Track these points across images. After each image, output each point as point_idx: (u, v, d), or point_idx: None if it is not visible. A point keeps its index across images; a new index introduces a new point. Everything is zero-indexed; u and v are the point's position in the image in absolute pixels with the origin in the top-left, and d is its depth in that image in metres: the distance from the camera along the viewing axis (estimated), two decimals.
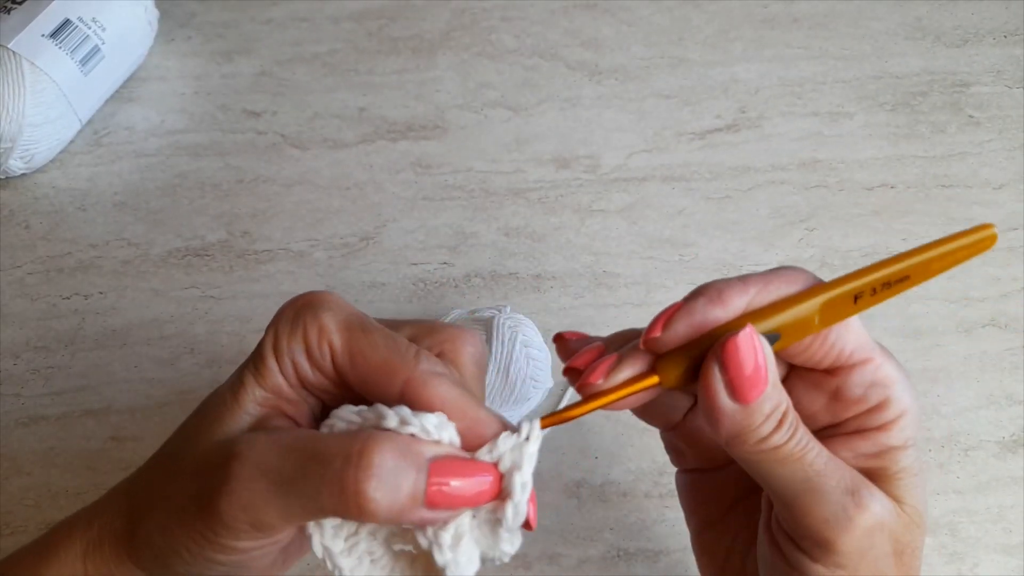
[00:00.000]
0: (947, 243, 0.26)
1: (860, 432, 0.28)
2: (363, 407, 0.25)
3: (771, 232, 0.49)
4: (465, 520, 0.25)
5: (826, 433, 0.28)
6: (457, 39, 0.57)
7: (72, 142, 0.52)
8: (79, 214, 0.50)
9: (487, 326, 0.40)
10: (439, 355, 0.27)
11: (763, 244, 0.49)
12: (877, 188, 0.51)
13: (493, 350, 0.39)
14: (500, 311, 0.41)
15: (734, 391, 0.25)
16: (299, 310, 0.26)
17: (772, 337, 0.26)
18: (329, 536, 0.25)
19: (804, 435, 0.26)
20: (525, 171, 0.51)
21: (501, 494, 0.24)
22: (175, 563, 0.25)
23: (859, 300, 0.27)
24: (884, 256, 0.47)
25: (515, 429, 0.25)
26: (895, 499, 0.27)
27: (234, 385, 0.26)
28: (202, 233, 0.49)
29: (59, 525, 0.28)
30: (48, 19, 0.49)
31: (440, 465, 0.23)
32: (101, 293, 0.47)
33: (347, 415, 0.25)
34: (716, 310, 0.26)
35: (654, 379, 0.26)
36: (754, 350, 0.25)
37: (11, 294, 0.47)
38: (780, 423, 0.26)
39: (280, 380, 0.26)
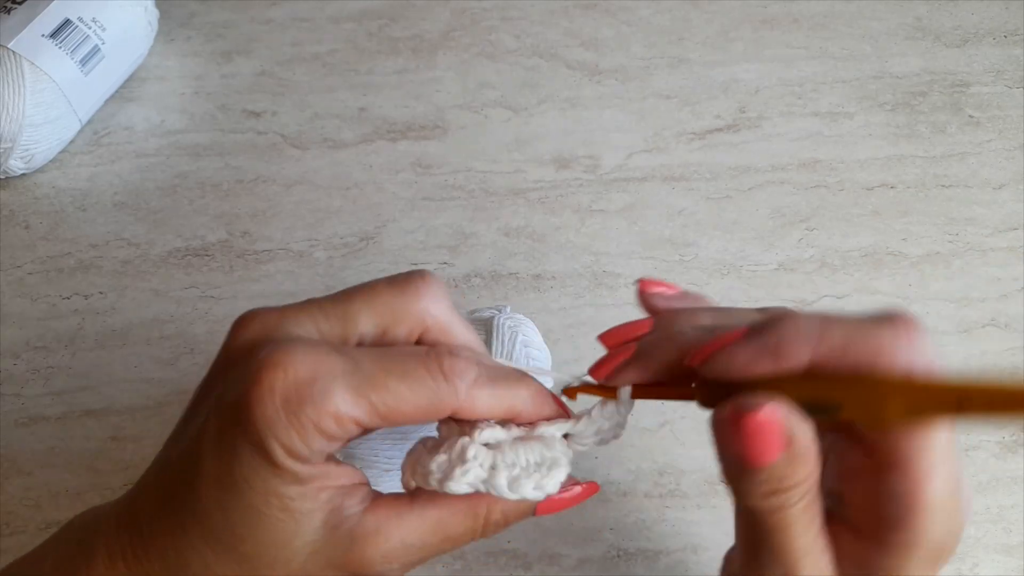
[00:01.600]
0: None
1: (862, 532, 0.24)
2: (470, 474, 0.26)
3: (771, 232, 0.49)
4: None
5: (836, 505, 0.25)
6: (457, 39, 0.57)
7: (72, 142, 0.52)
8: (79, 214, 0.50)
9: (487, 326, 0.40)
10: (424, 333, 0.26)
11: (763, 244, 0.49)
12: (877, 188, 0.51)
13: (493, 350, 0.39)
14: (500, 311, 0.41)
15: (738, 452, 0.23)
16: (291, 410, 0.23)
17: (829, 407, 0.22)
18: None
19: (796, 514, 0.24)
20: (525, 171, 0.51)
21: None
22: None
23: (964, 408, 0.20)
24: (884, 256, 0.46)
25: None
26: None
27: (278, 503, 0.24)
28: (202, 233, 0.49)
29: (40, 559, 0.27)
30: (48, 19, 0.49)
31: (546, 506, 0.27)
32: (101, 293, 0.47)
33: (462, 489, 0.26)
34: (766, 364, 0.23)
35: (689, 397, 0.26)
36: (770, 430, 0.22)
37: (11, 294, 0.47)
38: (772, 493, 0.23)
39: (316, 471, 0.24)
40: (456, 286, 0.47)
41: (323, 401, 0.23)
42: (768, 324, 0.23)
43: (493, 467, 0.26)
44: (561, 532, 0.40)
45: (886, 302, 0.47)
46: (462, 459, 0.25)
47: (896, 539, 0.23)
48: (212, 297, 0.47)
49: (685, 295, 0.28)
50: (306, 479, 0.24)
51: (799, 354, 0.22)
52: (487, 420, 0.26)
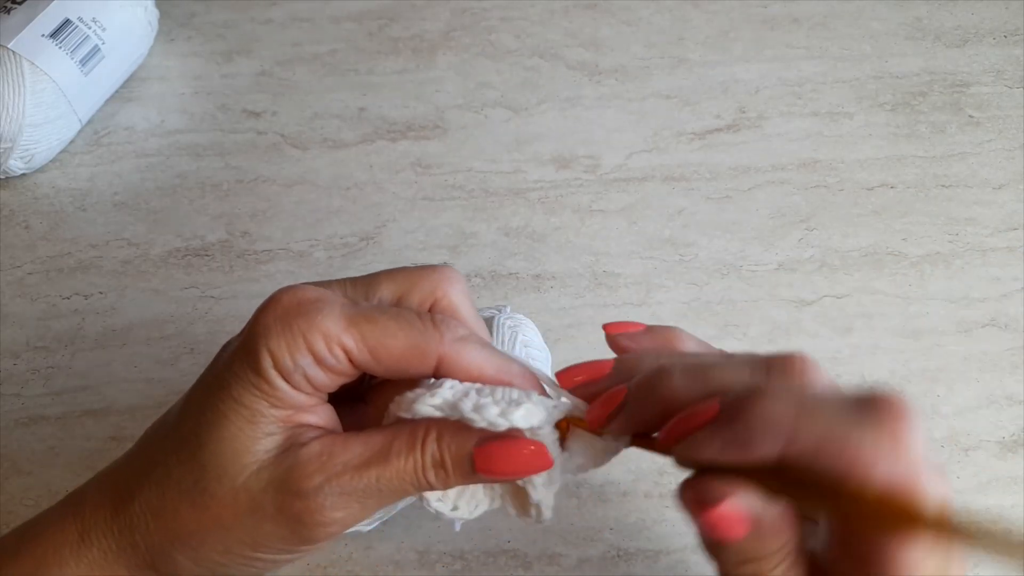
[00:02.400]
0: None
1: None
2: (442, 396, 0.26)
3: (771, 232, 0.49)
4: (556, 468, 0.27)
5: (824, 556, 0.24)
6: (457, 39, 0.57)
7: (72, 142, 0.52)
8: (79, 214, 0.50)
9: (487, 326, 0.40)
10: (434, 305, 0.28)
11: (763, 244, 0.49)
12: (877, 188, 0.51)
13: None
14: (500, 311, 0.41)
15: (706, 530, 0.23)
16: (287, 320, 0.25)
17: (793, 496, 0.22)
18: (435, 499, 0.28)
19: None
20: (525, 171, 0.52)
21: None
22: (237, 570, 0.26)
23: (940, 535, 0.19)
24: (884, 256, 0.46)
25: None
26: None
27: (240, 411, 0.25)
28: (202, 233, 0.49)
29: (34, 543, 0.27)
30: (48, 19, 0.49)
31: (483, 451, 0.26)
32: (101, 293, 0.47)
33: (426, 411, 0.26)
34: (734, 455, 0.22)
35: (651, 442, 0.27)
36: (730, 521, 0.22)
37: (11, 294, 0.47)
38: (747, 562, 0.23)
39: (296, 397, 0.25)
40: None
41: (316, 317, 0.24)
42: (739, 409, 0.22)
43: (465, 395, 0.26)
44: (561, 532, 0.40)
45: (886, 302, 0.47)
46: (438, 386, 0.26)
47: None
48: (212, 297, 0.47)
49: (650, 331, 0.29)
50: (283, 401, 0.25)
51: (768, 449, 0.21)
52: (480, 380, 0.26)
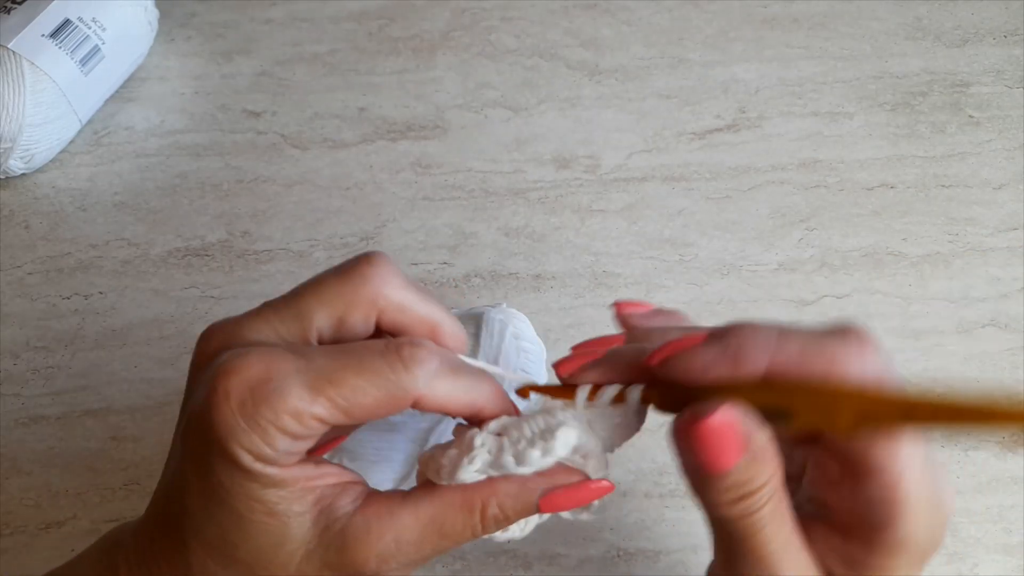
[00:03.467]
0: None
1: (848, 534, 0.25)
2: (478, 461, 0.26)
3: (771, 232, 0.49)
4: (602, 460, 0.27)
5: (822, 507, 0.25)
6: (457, 39, 0.57)
7: (72, 142, 0.52)
8: (79, 214, 0.50)
9: (476, 321, 0.39)
10: (380, 316, 0.26)
11: (763, 244, 0.49)
12: (877, 188, 0.51)
13: (481, 343, 0.39)
14: (494, 307, 0.41)
15: (696, 459, 0.24)
16: (248, 413, 0.23)
17: (782, 413, 0.23)
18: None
19: (766, 516, 0.24)
20: (525, 171, 0.52)
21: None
22: None
23: (908, 421, 0.21)
24: (884, 256, 0.46)
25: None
26: None
27: (262, 508, 0.24)
28: (202, 233, 0.49)
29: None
30: (48, 19, 0.49)
31: (549, 500, 0.26)
32: (101, 293, 0.47)
33: (470, 477, 0.26)
34: (724, 369, 0.23)
35: (644, 396, 0.26)
36: (725, 435, 0.23)
37: (11, 294, 0.47)
38: (739, 499, 0.24)
39: (293, 472, 0.24)
40: (456, 286, 0.47)
41: (278, 401, 0.23)
42: (728, 331, 0.24)
43: (501, 449, 0.25)
44: (561, 532, 0.40)
45: (886, 302, 0.47)
46: (470, 447, 0.25)
47: (881, 540, 0.24)
48: (212, 297, 0.47)
49: (659, 312, 0.29)
50: (284, 482, 0.24)
51: (756, 361, 0.23)
52: (455, 412, 0.26)
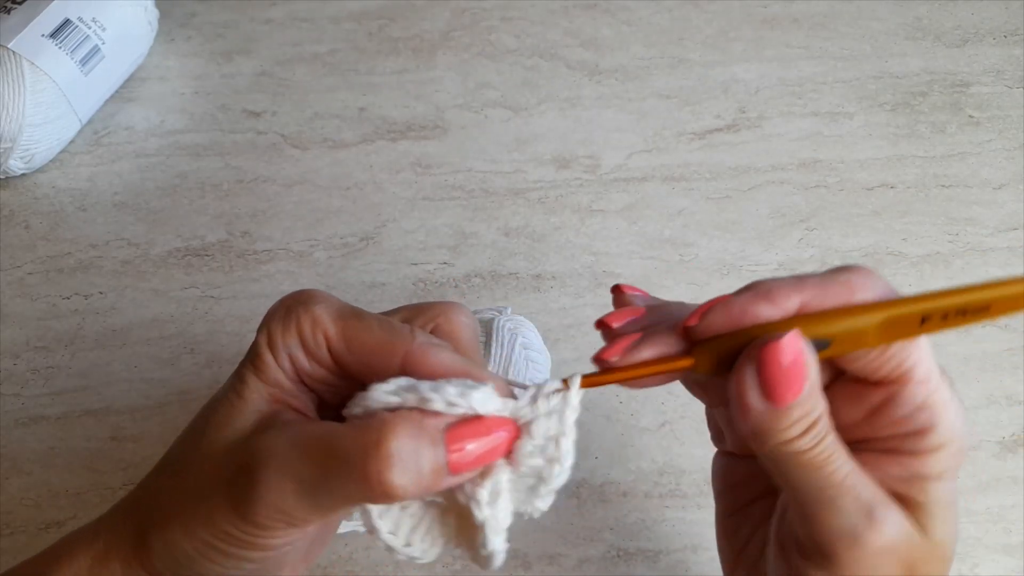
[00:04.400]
0: None
1: (895, 453, 0.26)
2: (397, 383, 0.25)
3: (771, 232, 0.49)
4: (502, 477, 0.25)
5: (861, 447, 0.27)
6: (457, 39, 0.57)
7: (72, 142, 0.52)
8: (79, 214, 0.50)
9: (487, 328, 0.40)
10: (433, 331, 0.27)
11: (763, 244, 0.49)
12: (877, 188, 0.51)
13: (492, 352, 0.39)
14: (501, 312, 0.41)
15: (766, 393, 0.25)
16: (290, 306, 0.26)
17: (821, 343, 0.25)
18: (376, 515, 0.26)
19: (831, 445, 0.25)
20: (525, 171, 0.52)
21: (547, 455, 0.25)
22: (202, 566, 0.25)
23: (927, 323, 0.24)
24: (884, 256, 0.46)
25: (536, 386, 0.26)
26: (923, 528, 0.26)
27: (235, 385, 0.26)
28: (202, 233, 0.49)
29: (61, 541, 0.28)
30: (48, 19, 0.49)
31: (455, 432, 0.24)
32: (101, 293, 0.47)
33: (381, 397, 0.24)
34: (761, 307, 0.25)
35: (687, 362, 0.26)
36: (794, 354, 0.24)
37: (11, 294, 0.47)
38: (807, 430, 0.25)
39: (279, 375, 0.26)
40: (456, 286, 0.47)
41: (312, 306, 0.26)
42: (752, 284, 0.26)
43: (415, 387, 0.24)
44: (561, 532, 0.40)
45: None
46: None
47: (928, 443, 0.26)
48: (212, 297, 0.47)
49: (656, 299, 0.30)
50: (267, 375, 0.26)
51: (790, 298, 0.25)
52: (436, 379, 0.25)
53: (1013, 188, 0.51)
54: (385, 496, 0.23)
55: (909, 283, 0.47)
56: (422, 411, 0.24)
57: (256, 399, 0.26)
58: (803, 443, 0.25)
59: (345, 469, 0.23)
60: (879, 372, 0.26)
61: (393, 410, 0.24)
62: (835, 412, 0.26)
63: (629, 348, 0.26)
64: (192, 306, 0.46)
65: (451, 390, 0.24)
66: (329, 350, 0.26)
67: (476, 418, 0.24)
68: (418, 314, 0.28)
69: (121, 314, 0.46)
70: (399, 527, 0.26)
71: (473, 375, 0.25)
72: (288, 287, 0.47)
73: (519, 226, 0.49)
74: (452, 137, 0.53)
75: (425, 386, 0.24)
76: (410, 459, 0.23)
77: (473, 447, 0.24)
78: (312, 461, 0.23)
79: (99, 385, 0.44)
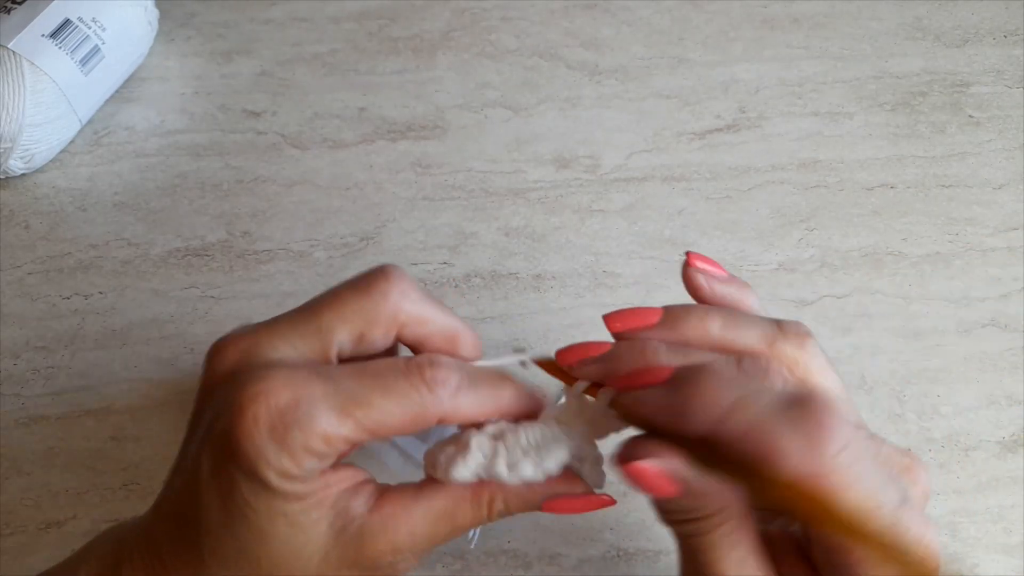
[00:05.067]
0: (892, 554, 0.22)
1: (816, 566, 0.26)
2: (472, 463, 0.27)
3: (771, 232, 0.49)
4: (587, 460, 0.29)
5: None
6: (457, 39, 0.57)
7: (72, 142, 0.52)
8: (79, 214, 0.50)
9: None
10: (400, 332, 0.27)
11: (763, 244, 0.49)
12: (877, 188, 0.51)
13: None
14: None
15: (633, 484, 0.25)
16: (279, 436, 0.23)
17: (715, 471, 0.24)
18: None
19: (720, 538, 0.25)
20: (525, 171, 0.51)
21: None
22: None
23: (818, 527, 0.23)
24: (884, 256, 0.46)
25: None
26: None
27: (283, 519, 0.24)
28: (202, 233, 0.49)
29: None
30: (48, 19, 0.49)
31: (551, 505, 0.28)
32: (101, 293, 0.47)
33: (464, 475, 0.27)
34: (664, 419, 0.24)
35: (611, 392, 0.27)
36: (657, 479, 0.24)
37: (11, 294, 0.47)
38: (688, 522, 0.25)
39: (316, 484, 0.25)
40: (456, 286, 0.47)
41: (309, 424, 0.23)
42: (686, 380, 0.24)
43: (495, 454, 0.27)
44: (561, 532, 0.40)
45: (886, 302, 0.47)
46: (466, 448, 0.26)
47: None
48: (212, 297, 0.47)
49: (731, 279, 0.29)
50: (306, 494, 0.24)
51: (699, 424, 0.23)
52: (481, 420, 0.27)
53: (1013, 188, 0.51)
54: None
55: (909, 283, 0.47)
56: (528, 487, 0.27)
57: (312, 513, 0.25)
58: (680, 529, 0.26)
59: (460, 535, 0.27)
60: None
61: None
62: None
63: (581, 362, 0.27)
64: (192, 306, 0.46)
65: (528, 470, 0.27)
66: (352, 443, 0.25)
67: (572, 498, 0.28)
68: (367, 323, 0.26)
69: (121, 314, 0.46)
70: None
71: (510, 409, 0.27)
72: (288, 287, 0.47)
73: (519, 226, 0.49)
74: (452, 137, 0.53)
75: (503, 471, 0.27)
76: (507, 514, 0.28)
77: (569, 511, 0.28)
78: (436, 544, 0.26)
79: (99, 385, 0.44)
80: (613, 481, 0.41)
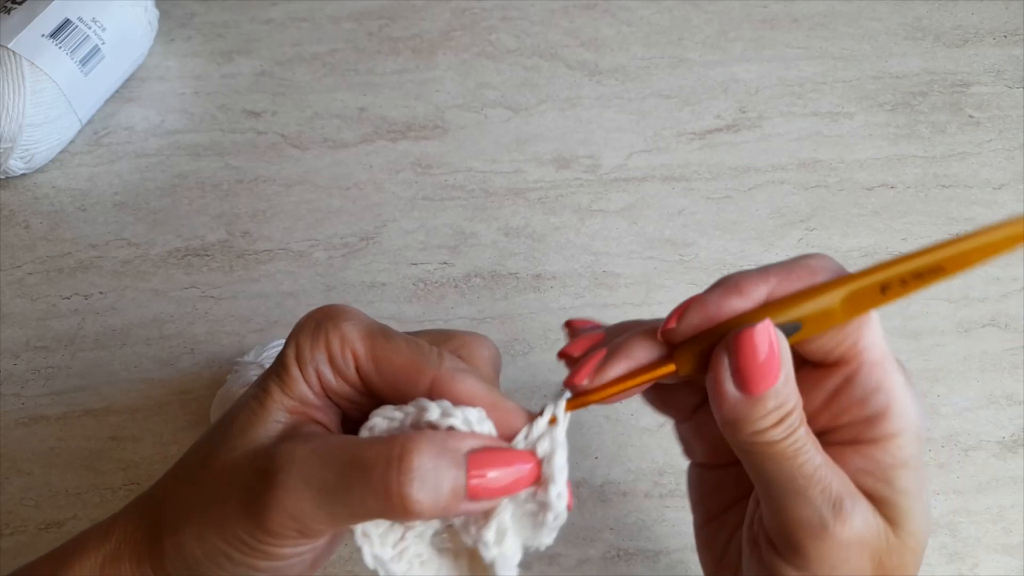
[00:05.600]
0: (985, 234, 0.25)
1: (857, 443, 0.27)
2: (403, 406, 0.25)
3: (771, 232, 0.49)
4: (507, 514, 0.25)
5: (826, 439, 0.27)
6: (457, 39, 0.57)
7: (72, 142, 0.52)
8: (79, 214, 0.50)
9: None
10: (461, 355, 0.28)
11: (763, 244, 0.49)
12: (877, 188, 0.51)
13: None
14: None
15: (741, 382, 0.25)
16: (319, 321, 0.26)
17: (792, 327, 0.26)
18: (378, 545, 0.25)
19: (803, 436, 0.26)
20: (525, 171, 0.52)
21: (540, 480, 0.25)
22: (211, 572, 0.25)
23: (887, 291, 0.25)
24: (883, 256, 0.47)
25: (538, 415, 0.26)
26: (891, 522, 0.26)
27: (259, 395, 0.26)
28: (202, 233, 0.49)
29: (72, 540, 0.28)
30: (48, 19, 0.49)
31: (478, 458, 0.24)
32: (101, 293, 0.47)
33: (389, 412, 0.25)
34: (733, 300, 0.26)
35: (669, 367, 0.26)
36: (768, 343, 0.25)
37: (11, 294, 0.47)
38: (780, 421, 0.25)
39: (305, 389, 0.26)
40: (456, 286, 0.47)
41: (342, 322, 0.26)
42: (720, 280, 0.27)
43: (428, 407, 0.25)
44: (561, 532, 0.40)
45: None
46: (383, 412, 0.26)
47: (886, 428, 0.26)
48: (212, 297, 0.47)
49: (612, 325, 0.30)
50: (292, 389, 0.26)
51: (757, 287, 0.26)
52: (475, 408, 0.25)
53: (1013, 188, 0.51)
54: (403, 511, 0.23)
55: None
56: (448, 432, 0.24)
57: (279, 410, 0.26)
58: (775, 433, 0.25)
59: (366, 480, 0.23)
60: (836, 351, 0.26)
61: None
62: None
63: (597, 367, 0.26)
64: (192, 306, 0.46)
65: (474, 414, 0.24)
66: (357, 368, 0.26)
67: (501, 449, 0.25)
68: (442, 340, 0.28)
69: (121, 314, 0.46)
70: (410, 567, 0.26)
71: (499, 405, 0.26)
72: (288, 287, 0.47)
73: (519, 226, 0.49)
74: (452, 137, 0.53)
75: (435, 413, 0.24)
76: (431, 476, 0.23)
77: (495, 475, 0.24)
78: (333, 470, 0.23)
79: (99, 385, 0.44)
80: (613, 481, 0.41)
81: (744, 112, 0.54)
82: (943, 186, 0.51)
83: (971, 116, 0.54)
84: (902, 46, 0.58)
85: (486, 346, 0.28)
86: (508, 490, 0.25)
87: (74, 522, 0.40)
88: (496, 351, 0.28)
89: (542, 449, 0.25)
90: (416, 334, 0.28)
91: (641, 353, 0.27)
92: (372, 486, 0.23)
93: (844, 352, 0.27)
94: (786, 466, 0.26)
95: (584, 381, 0.26)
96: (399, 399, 0.26)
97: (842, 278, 0.26)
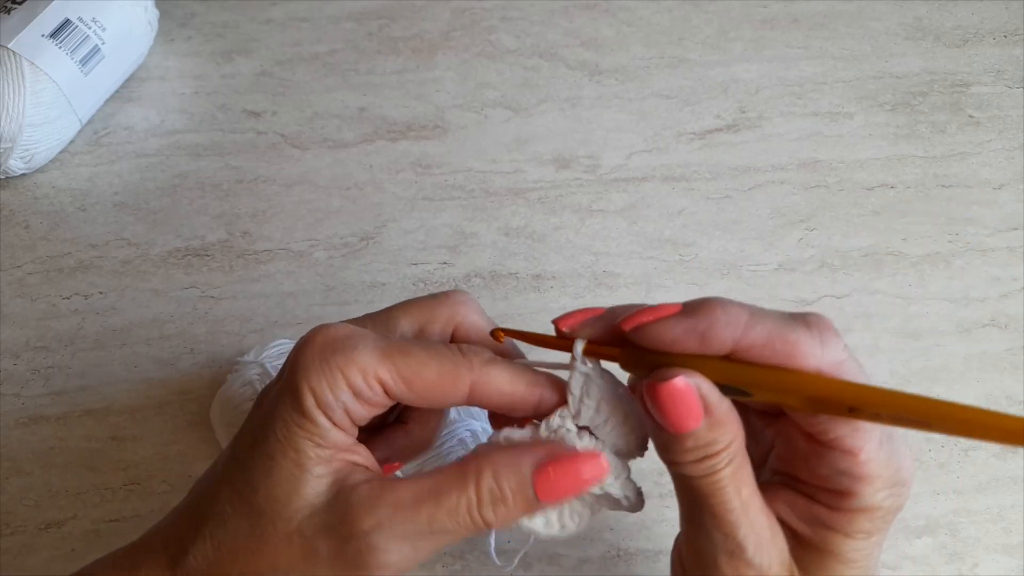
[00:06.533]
0: (988, 417, 0.21)
1: (812, 499, 0.27)
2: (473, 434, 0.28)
3: (771, 232, 0.49)
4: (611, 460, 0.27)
5: (787, 480, 0.27)
6: (457, 39, 0.57)
7: (72, 142, 0.52)
8: (79, 214, 0.50)
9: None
10: (455, 332, 0.29)
11: (763, 244, 0.49)
12: (877, 188, 0.51)
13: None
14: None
15: (660, 419, 0.25)
16: (324, 356, 0.25)
17: (741, 391, 0.25)
18: (527, 521, 0.28)
19: (726, 478, 0.25)
20: (525, 171, 0.52)
21: (605, 470, 0.27)
22: None
23: (855, 413, 0.23)
24: (884, 256, 0.46)
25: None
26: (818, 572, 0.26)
27: (289, 453, 0.26)
28: (202, 233, 0.49)
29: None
30: (48, 19, 0.49)
31: (541, 472, 0.26)
32: (101, 293, 0.47)
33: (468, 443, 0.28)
34: (690, 343, 0.25)
35: (614, 352, 0.27)
36: (684, 400, 0.24)
37: (11, 294, 0.47)
38: (701, 460, 0.25)
39: (337, 436, 0.26)
40: (456, 286, 0.47)
41: (352, 352, 0.25)
42: (700, 307, 0.25)
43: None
44: None
45: (886, 302, 0.47)
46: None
47: (845, 504, 0.26)
48: (212, 297, 0.47)
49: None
50: (326, 439, 0.26)
51: (723, 341, 0.24)
52: (508, 401, 0.27)
53: (1013, 188, 0.51)
54: (480, 531, 0.26)
55: (909, 283, 0.47)
56: (514, 448, 0.27)
57: (316, 466, 0.26)
58: (694, 470, 0.25)
59: (451, 515, 0.25)
60: (809, 429, 0.26)
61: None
62: (759, 440, 0.27)
63: (582, 323, 0.28)
64: (192, 306, 0.46)
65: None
66: (385, 392, 0.26)
67: (565, 456, 0.26)
68: (429, 318, 0.29)
69: (121, 314, 0.46)
70: (549, 520, 0.28)
71: (539, 382, 0.27)
72: (288, 287, 0.47)
73: (519, 226, 0.49)
74: (452, 137, 0.53)
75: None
76: (498, 501, 0.26)
77: (563, 482, 0.26)
78: (418, 520, 0.25)
79: (99, 385, 0.44)
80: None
81: (744, 112, 0.54)
82: (943, 186, 0.51)
83: (971, 116, 0.54)
84: (902, 46, 0.58)
85: (466, 301, 0.29)
86: (574, 491, 0.27)
87: (74, 522, 0.40)
88: (474, 299, 0.30)
89: (587, 408, 0.27)
90: (396, 312, 0.29)
91: (616, 331, 0.27)
92: (458, 520, 0.25)
93: (818, 435, 0.26)
94: (699, 498, 0.26)
95: (565, 327, 0.28)
96: (434, 406, 0.27)
97: (812, 377, 0.24)
